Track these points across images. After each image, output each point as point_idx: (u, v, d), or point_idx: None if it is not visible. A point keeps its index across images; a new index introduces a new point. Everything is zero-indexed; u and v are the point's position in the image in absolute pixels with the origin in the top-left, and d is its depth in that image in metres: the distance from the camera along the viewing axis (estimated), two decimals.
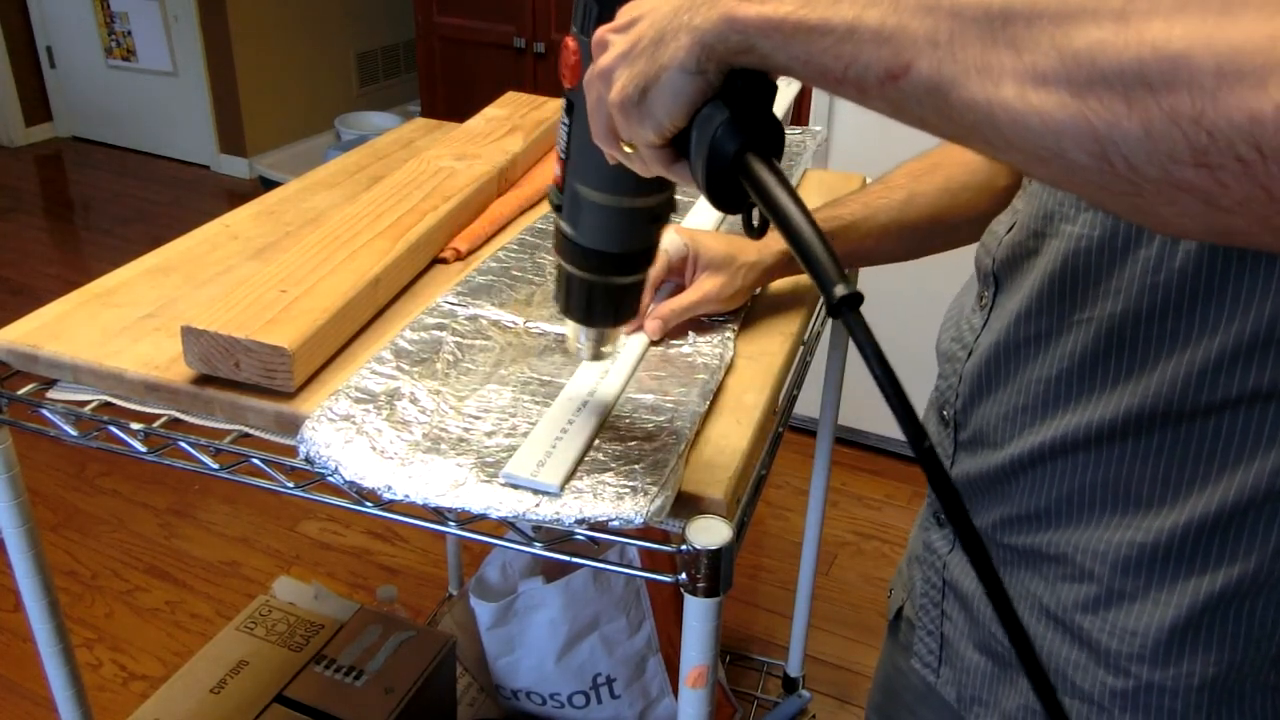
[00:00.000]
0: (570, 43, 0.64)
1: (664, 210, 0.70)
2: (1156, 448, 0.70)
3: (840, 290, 0.45)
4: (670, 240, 0.99)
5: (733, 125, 0.52)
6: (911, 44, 0.43)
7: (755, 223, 0.56)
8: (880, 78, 0.44)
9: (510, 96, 1.58)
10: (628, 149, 0.58)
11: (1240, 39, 0.35)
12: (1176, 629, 0.72)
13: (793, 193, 0.50)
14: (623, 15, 0.57)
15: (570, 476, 0.79)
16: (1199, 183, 0.37)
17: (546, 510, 0.76)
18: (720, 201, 0.55)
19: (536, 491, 0.77)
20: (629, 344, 0.97)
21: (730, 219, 1.32)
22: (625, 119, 0.55)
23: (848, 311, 0.45)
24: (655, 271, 0.99)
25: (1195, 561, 0.71)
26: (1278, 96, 0.34)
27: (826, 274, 0.46)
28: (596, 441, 0.83)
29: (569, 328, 0.77)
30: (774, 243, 1.03)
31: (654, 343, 0.99)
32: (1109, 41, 0.37)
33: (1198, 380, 0.66)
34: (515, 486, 0.78)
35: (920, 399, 0.91)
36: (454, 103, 3.82)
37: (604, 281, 0.72)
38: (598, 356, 0.79)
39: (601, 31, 0.57)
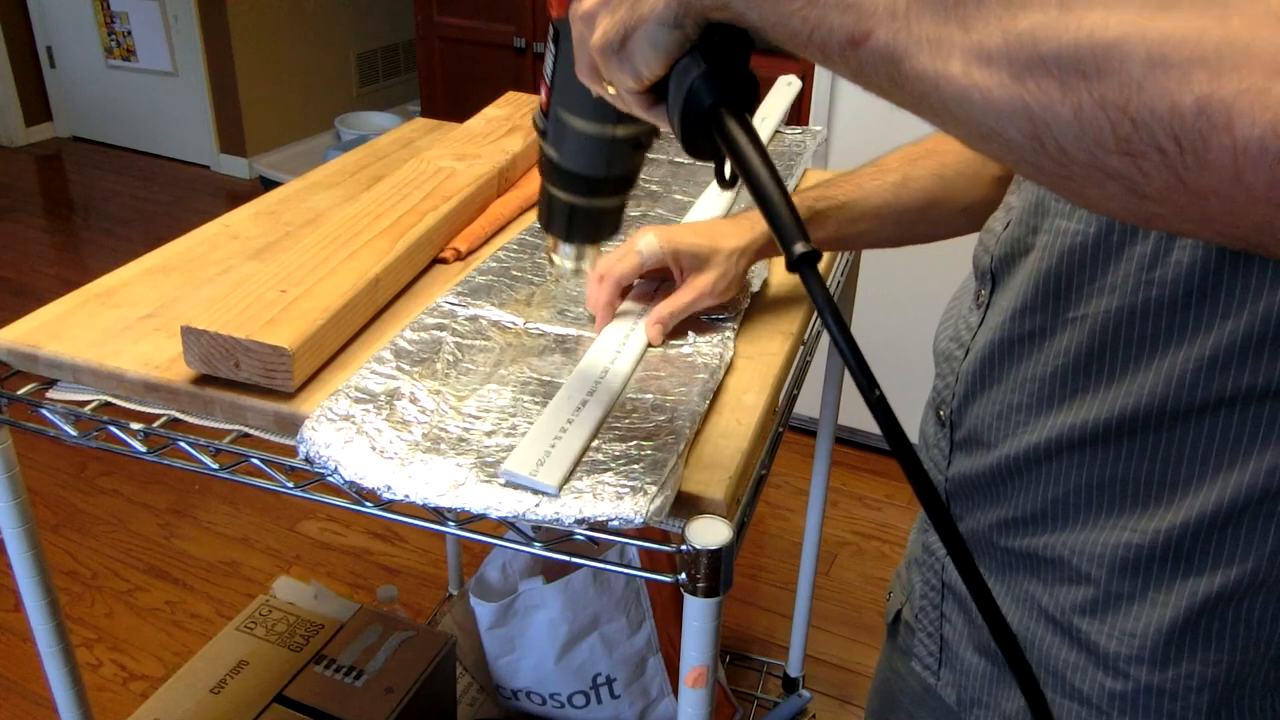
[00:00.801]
0: None
1: (646, 138, 0.72)
2: (1151, 448, 0.70)
3: (800, 247, 0.46)
4: (645, 242, 0.99)
5: (708, 78, 0.53)
6: (872, 13, 0.44)
7: (726, 175, 0.58)
8: (842, 43, 0.45)
9: (510, 96, 1.58)
10: (610, 89, 0.60)
11: (1171, 32, 0.36)
12: (1175, 630, 0.72)
13: (762, 150, 0.52)
14: None
15: (569, 476, 0.79)
16: (1123, 169, 0.38)
17: (546, 510, 0.76)
18: (694, 150, 0.56)
19: (535, 491, 0.77)
20: (629, 345, 0.97)
21: (744, 201, 1.32)
22: (606, 64, 0.57)
23: (805, 267, 0.46)
24: (624, 270, 0.99)
25: (1193, 562, 0.70)
26: (1198, 90, 0.35)
27: (788, 230, 0.48)
28: (596, 441, 0.83)
29: (549, 242, 0.81)
30: (749, 222, 1.03)
31: (652, 346, 0.99)
32: (1050, 25, 0.38)
33: (1192, 379, 0.66)
34: (514, 485, 0.78)
35: (918, 400, 0.92)
36: (454, 103, 3.82)
37: (585, 203, 0.75)
38: (578, 272, 0.82)
39: None
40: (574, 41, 0.60)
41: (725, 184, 0.60)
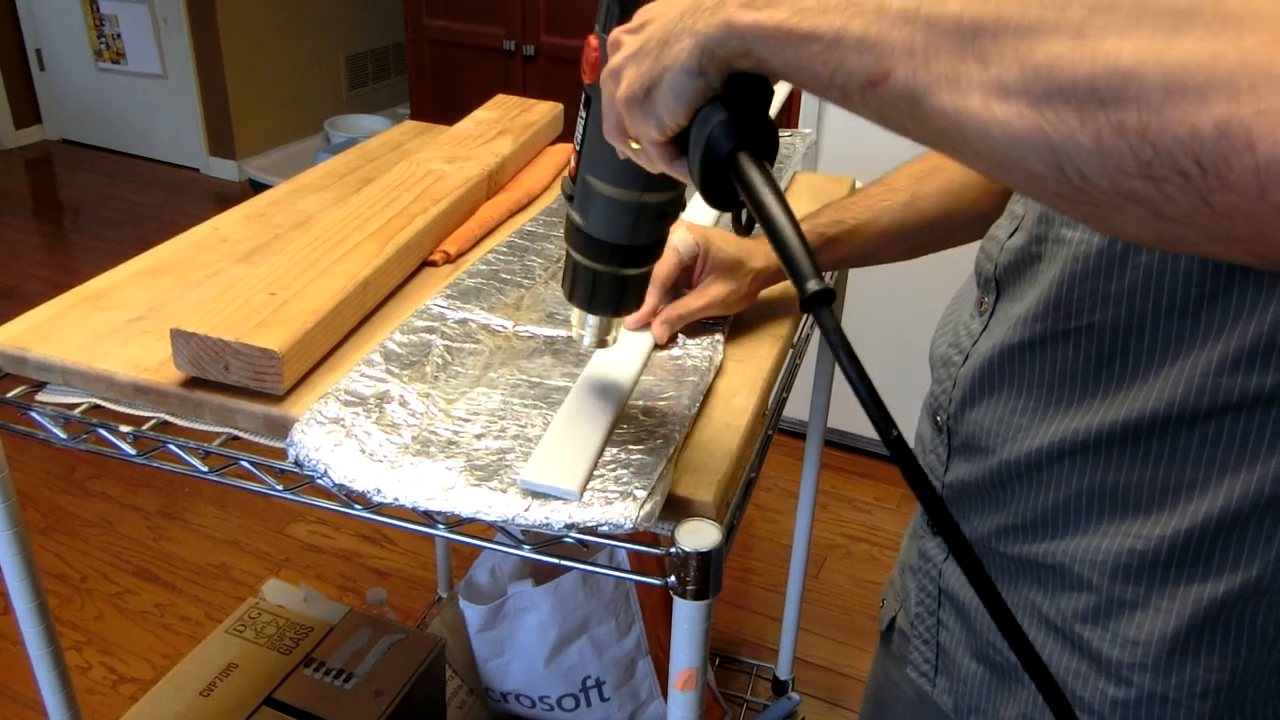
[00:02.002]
0: (593, 40, 0.67)
1: (672, 207, 0.73)
2: (1155, 453, 0.69)
3: (813, 285, 0.47)
4: (681, 238, 0.99)
5: (728, 125, 0.54)
6: (890, 52, 0.44)
7: (744, 221, 0.59)
8: (862, 84, 0.46)
9: (500, 99, 1.58)
10: (634, 145, 0.61)
11: (1186, 56, 0.36)
12: (1179, 637, 0.71)
13: (777, 191, 0.52)
14: (638, 17, 0.59)
15: (588, 480, 0.79)
16: (1146, 194, 0.38)
17: (536, 515, 0.76)
18: (713, 198, 0.57)
19: (552, 497, 0.77)
20: (635, 347, 0.97)
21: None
22: (631, 115, 0.58)
23: (819, 306, 0.47)
24: (666, 270, 1.00)
25: (1197, 568, 0.70)
26: (1216, 112, 0.35)
27: (801, 269, 0.49)
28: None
29: (573, 314, 0.80)
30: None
31: (659, 346, 0.99)
32: (1066, 56, 0.39)
33: (1199, 383, 0.66)
34: (534, 494, 0.78)
35: (914, 404, 0.92)
36: (443, 105, 3.82)
37: (609, 271, 0.75)
38: (600, 344, 0.81)
39: (616, 32, 0.60)
40: (603, 103, 0.61)
41: (742, 230, 0.60)
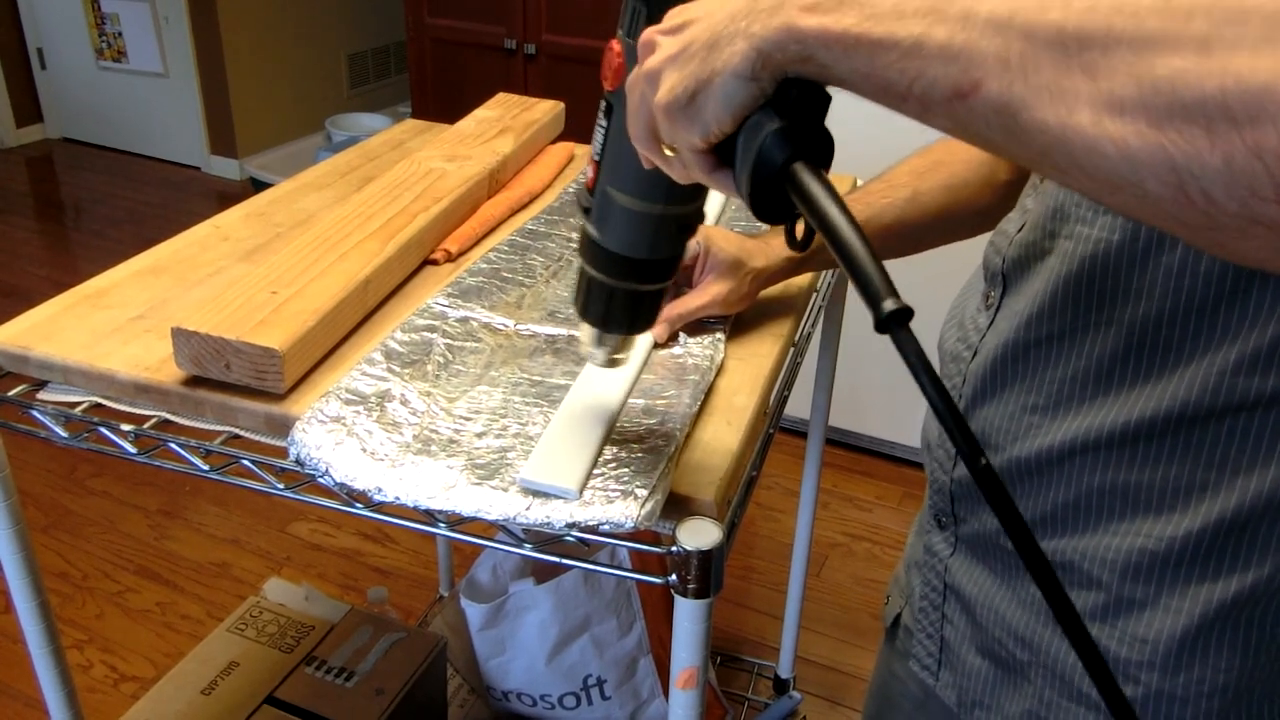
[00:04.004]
0: (615, 45, 0.64)
1: (693, 220, 0.70)
2: (1170, 452, 0.69)
3: (889, 305, 0.44)
4: None
5: (783, 134, 0.51)
6: (981, 63, 0.42)
7: (799, 236, 0.56)
8: (947, 95, 0.44)
9: (501, 98, 1.58)
10: (668, 152, 0.58)
11: None
12: (1188, 637, 0.71)
13: (841, 204, 0.49)
14: (671, 18, 0.56)
15: (587, 479, 0.79)
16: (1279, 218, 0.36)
17: (537, 514, 0.76)
18: (763, 212, 0.54)
19: (553, 496, 0.77)
20: (635, 346, 0.97)
21: (730, 209, 1.32)
22: (671, 121, 0.55)
23: (896, 327, 0.44)
24: None
25: (1208, 568, 0.69)
26: None
27: (875, 287, 0.45)
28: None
29: (583, 331, 0.77)
30: (780, 248, 1.03)
31: (660, 345, 0.99)
32: (1190, 71, 0.37)
33: (1216, 381, 0.65)
34: (534, 492, 0.78)
35: (914, 400, 0.92)
36: (445, 104, 3.82)
37: (626, 287, 0.72)
38: (611, 363, 0.78)
39: (650, 33, 0.57)
40: (631, 108, 0.58)
41: (797, 245, 0.57)
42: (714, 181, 0.57)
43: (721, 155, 0.55)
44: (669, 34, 0.56)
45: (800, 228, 0.55)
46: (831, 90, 0.52)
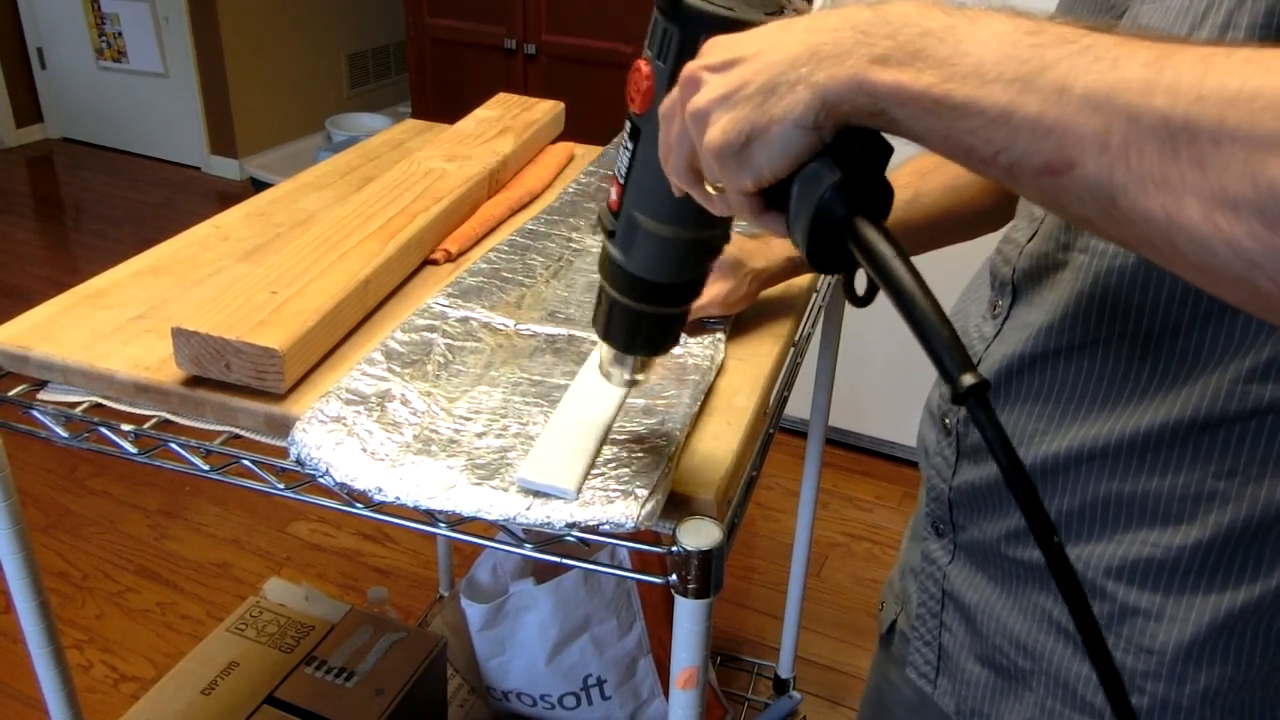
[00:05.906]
0: (644, 66, 0.61)
1: (722, 242, 0.68)
2: (1179, 460, 0.68)
3: (968, 380, 0.43)
4: None
5: (844, 187, 0.49)
6: (1077, 142, 0.41)
7: (860, 292, 0.54)
8: (1037, 169, 0.42)
9: (501, 98, 1.58)
10: (711, 190, 0.56)
11: None
12: (1194, 647, 0.71)
13: (910, 265, 0.47)
14: (716, 52, 0.54)
15: (585, 478, 0.79)
16: None
17: (537, 514, 0.76)
18: (820, 263, 0.52)
19: (551, 495, 0.77)
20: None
21: None
22: (721, 164, 0.52)
23: (974, 403, 0.43)
24: None
25: (1215, 578, 0.69)
26: None
27: (952, 361, 0.44)
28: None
29: (603, 352, 0.75)
30: (780, 249, 1.03)
31: None
32: None
33: (1228, 390, 0.64)
34: (532, 492, 0.78)
35: (915, 404, 0.92)
36: (445, 104, 3.82)
37: (651, 311, 0.70)
38: (631, 384, 0.77)
39: (694, 68, 0.54)
40: (668, 138, 0.57)
41: (858, 301, 0.54)
42: (761, 224, 0.55)
43: (770, 199, 0.53)
44: (716, 71, 0.53)
45: (859, 282, 0.53)
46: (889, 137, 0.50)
